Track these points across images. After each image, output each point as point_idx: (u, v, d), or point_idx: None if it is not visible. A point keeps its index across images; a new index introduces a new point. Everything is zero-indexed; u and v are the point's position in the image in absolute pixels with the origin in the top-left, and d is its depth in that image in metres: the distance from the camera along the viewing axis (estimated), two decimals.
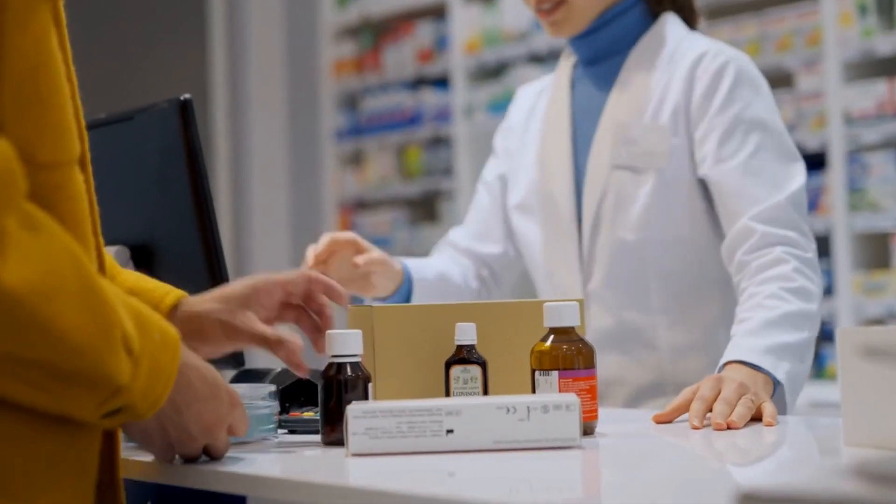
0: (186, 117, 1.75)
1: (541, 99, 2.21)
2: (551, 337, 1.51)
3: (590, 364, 1.50)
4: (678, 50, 2.05)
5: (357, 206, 5.45)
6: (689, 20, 2.13)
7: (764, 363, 1.71)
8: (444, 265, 2.20)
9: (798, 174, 1.95)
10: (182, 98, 1.74)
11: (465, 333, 1.55)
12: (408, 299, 2.08)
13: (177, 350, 1.25)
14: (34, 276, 1.10)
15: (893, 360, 1.24)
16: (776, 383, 1.71)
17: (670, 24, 2.09)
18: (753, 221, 1.89)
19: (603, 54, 2.10)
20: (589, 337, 1.87)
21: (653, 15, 2.10)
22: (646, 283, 2.01)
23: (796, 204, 1.92)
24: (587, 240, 2.04)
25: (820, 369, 3.81)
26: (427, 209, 5.23)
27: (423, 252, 5.08)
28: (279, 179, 5.70)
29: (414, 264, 2.13)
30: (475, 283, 2.21)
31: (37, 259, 1.11)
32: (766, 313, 1.79)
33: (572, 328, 1.51)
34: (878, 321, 3.66)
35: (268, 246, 5.62)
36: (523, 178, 2.15)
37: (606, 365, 2.00)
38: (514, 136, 2.21)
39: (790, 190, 1.92)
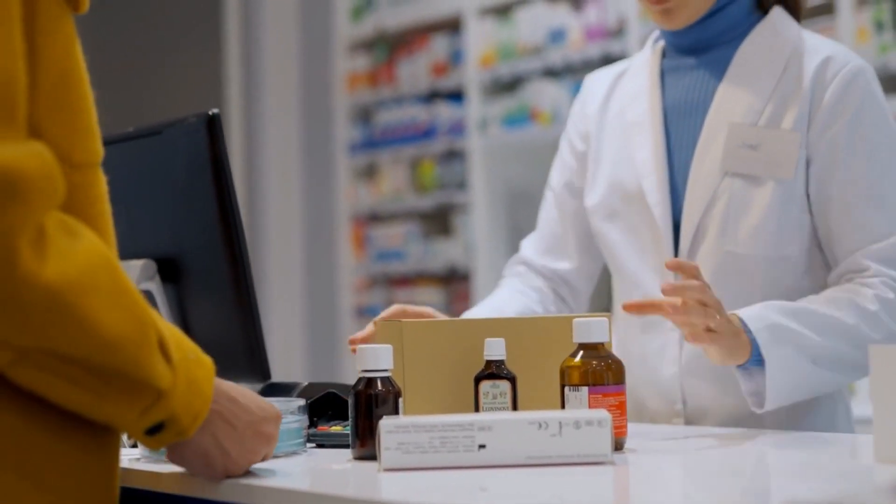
0: (214, 132, 1.75)
1: (616, 89, 2.03)
2: (581, 352, 1.51)
3: (619, 380, 1.51)
4: (797, 50, 1.88)
5: (370, 219, 5.47)
6: (795, 13, 1.96)
7: (752, 324, 1.67)
8: (513, 301, 2.02)
9: None
10: (210, 113, 1.75)
11: (495, 349, 1.56)
12: None
13: (211, 371, 1.28)
14: (71, 274, 1.14)
15: None
16: (757, 359, 1.67)
17: (783, 19, 1.92)
18: (869, 260, 1.79)
19: (706, 45, 1.93)
20: (681, 358, 1.86)
21: (760, 9, 1.94)
22: (750, 303, 1.76)
23: None
24: (685, 249, 1.87)
25: None
26: (440, 223, 5.24)
27: (436, 267, 5.13)
28: (293, 191, 5.71)
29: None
30: (554, 307, 2.03)
31: (74, 259, 1.15)
32: (807, 304, 1.74)
33: (601, 343, 1.52)
34: None
35: (281, 258, 5.64)
36: (602, 177, 1.98)
37: (696, 393, 1.87)
38: (591, 131, 2.03)
39: None
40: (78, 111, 1.23)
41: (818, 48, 1.88)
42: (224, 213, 1.76)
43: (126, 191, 1.91)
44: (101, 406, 1.19)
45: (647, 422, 1.89)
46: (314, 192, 5.70)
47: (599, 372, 1.50)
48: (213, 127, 1.75)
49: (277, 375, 1.87)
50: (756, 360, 1.69)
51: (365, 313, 5.43)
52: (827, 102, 1.83)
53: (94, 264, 1.17)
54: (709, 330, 1.61)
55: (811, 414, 1.84)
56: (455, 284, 5.07)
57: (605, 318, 1.53)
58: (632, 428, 1.58)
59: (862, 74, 1.84)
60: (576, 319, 1.53)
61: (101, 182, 1.27)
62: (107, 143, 1.90)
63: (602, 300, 2.27)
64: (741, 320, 1.67)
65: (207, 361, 1.28)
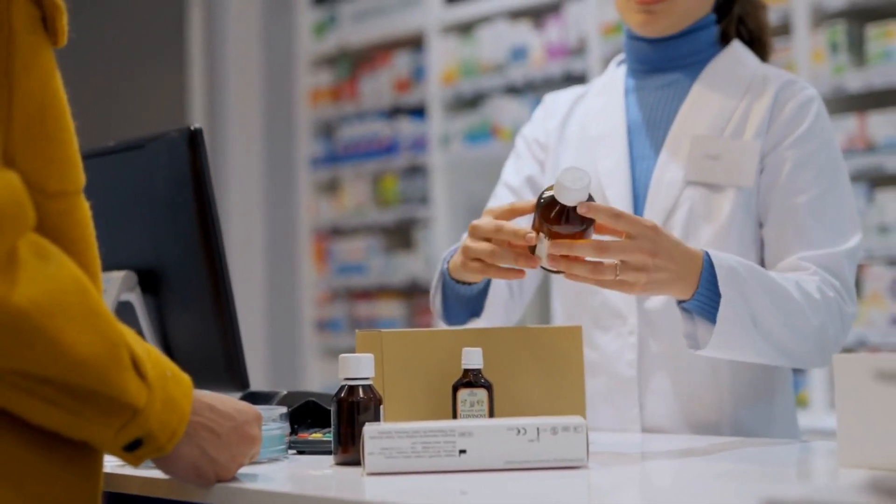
0: (196, 146, 1.80)
1: (576, 109, 2.09)
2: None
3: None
4: (760, 75, 1.97)
5: (332, 233, 5.50)
6: (762, 53, 2.06)
7: (717, 260, 1.66)
8: None
9: (858, 231, 1.88)
10: (192, 128, 1.79)
11: (472, 358, 1.61)
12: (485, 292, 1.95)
13: (188, 388, 1.32)
14: (40, 297, 1.18)
15: (877, 387, 1.31)
16: (702, 302, 1.67)
17: (744, 51, 2.02)
18: (808, 262, 1.83)
19: (671, 64, 2.00)
20: (640, 362, 1.89)
21: (722, 42, 2.03)
22: None
23: (850, 260, 1.86)
24: None
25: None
26: (402, 237, 5.29)
27: (398, 280, 5.17)
28: (255, 205, 5.74)
29: None
30: (506, 293, 2.03)
31: (44, 282, 1.19)
32: (760, 269, 1.74)
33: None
34: (848, 350, 3.74)
35: (243, 270, 5.65)
36: None
37: (656, 390, 1.91)
38: (550, 144, 2.08)
39: (849, 245, 1.86)
40: (55, 142, 1.26)
41: (780, 75, 1.98)
42: (204, 226, 1.80)
43: (108, 203, 1.94)
44: (77, 424, 1.23)
45: (605, 428, 1.93)
46: (276, 205, 5.72)
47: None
48: (195, 141, 1.80)
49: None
50: (701, 301, 1.68)
51: (326, 327, 5.46)
52: (783, 117, 1.91)
53: (65, 287, 1.21)
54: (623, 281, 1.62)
55: (765, 415, 1.90)
56: (417, 298, 5.12)
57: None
58: (595, 436, 1.63)
59: (818, 101, 1.94)
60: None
61: (80, 209, 1.30)
62: (89, 156, 1.95)
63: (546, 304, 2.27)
64: (706, 256, 1.67)
65: (185, 379, 1.32)
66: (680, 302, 1.70)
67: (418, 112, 5.11)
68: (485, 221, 1.71)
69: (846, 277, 1.84)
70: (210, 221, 1.80)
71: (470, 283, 1.90)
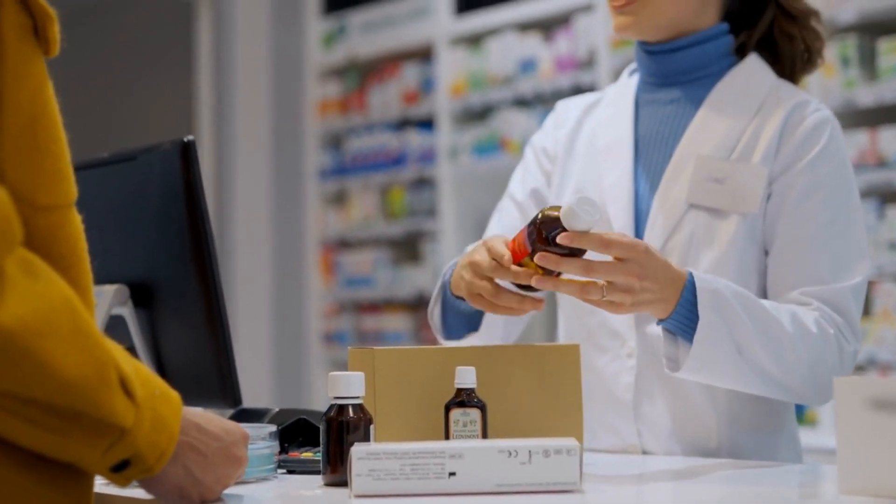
0: (188, 158, 1.76)
1: (588, 118, 2.04)
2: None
3: None
4: (773, 93, 1.89)
5: (340, 246, 5.48)
6: (783, 73, 1.95)
7: (700, 283, 1.64)
8: None
9: (865, 263, 1.81)
10: (185, 139, 1.76)
11: (465, 377, 1.57)
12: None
13: (178, 406, 1.28)
14: (27, 316, 1.15)
15: (878, 411, 1.27)
16: (682, 322, 1.65)
17: (760, 65, 1.93)
18: (811, 298, 1.77)
19: (680, 78, 1.94)
20: (637, 385, 1.86)
21: (739, 53, 1.95)
22: None
23: (856, 295, 1.79)
24: None
25: (799, 415, 3.84)
26: (410, 250, 5.26)
27: (405, 293, 5.14)
28: (263, 217, 5.72)
29: None
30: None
31: (32, 301, 1.16)
32: (752, 297, 1.70)
33: None
34: (860, 368, 3.69)
35: (250, 283, 5.63)
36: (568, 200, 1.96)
37: (653, 414, 1.86)
38: (559, 154, 2.03)
39: (855, 280, 1.79)
40: (46, 154, 1.23)
41: (794, 94, 1.90)
42: (197, 239, 1.77)
43: (100, 216, 1.92)
44: (63, 446, 1.20)
45: (602, 449, 1.89)
46: (284, 217, 5.71)
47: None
48: (188, 153, 1.76)
49: (245, 400, 1.88)
50: (681, 322, 1.66)
51: (333, 339, 5.44)
52: (794, 141, 1.84)
53: (53, 306, 1.17)
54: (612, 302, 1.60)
55: (764, 442, 1.86)
56: (423, 311, 5.08)
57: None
58: (590, 457, 1.59)
59: (831, 122, 1.87)
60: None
61: (72, 223, 1.27)
62: (81, 168, 1.92)
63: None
64: (689, 276, 1.65)
65: (174, 397, 1.29)
66: (661, 322, 1.67)
67: (427, 124, 5.08)
68: (486, 261, 1.68)
69: (851, 314, 1.78)
70: (203, 234, 1.77)
71: None
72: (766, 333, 1.69)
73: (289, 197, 5.69)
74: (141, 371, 1.26)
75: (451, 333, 1.95)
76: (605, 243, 1.57)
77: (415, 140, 5.12)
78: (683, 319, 1.65)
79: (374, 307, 5.33)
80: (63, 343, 1.17)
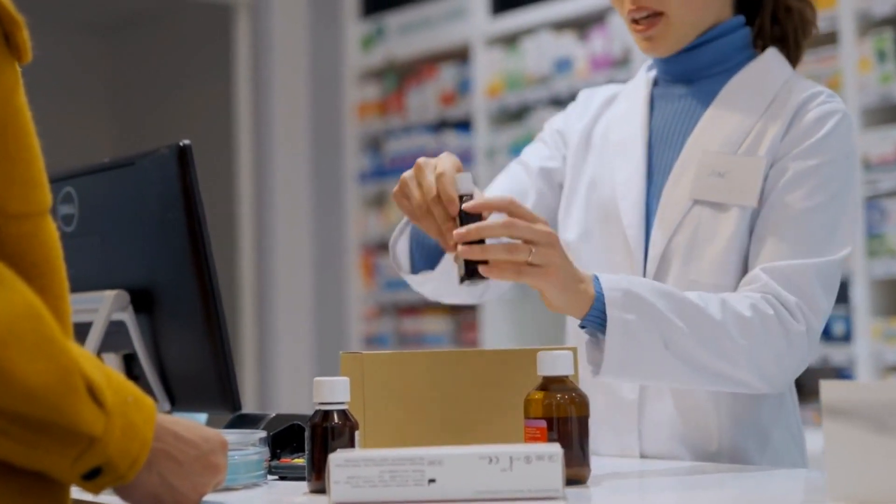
0: (185, 163, 1.76)
1: (606, 112, 2.02)
2: (544, 385, 1.50)
3: (583, 413, 1.49)
4: (786, 88, 1.87)
5: (379, 248, 5.47)
6: (791, 57, 1.95)
7: (606, 283, 1.62)
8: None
9: (840, 249, 1.76)
10: (181, 144, 1.76)
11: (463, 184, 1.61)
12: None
13: (151, 413, 1.27)
14: None
15: (867, 417, 1.23)
16: (599, 315, 1.62)
17: (777, 60, 1.91)
18: (765, 273, 1.74)
19: (696, 75, 1.93)
20: (642, 386, 1.83)
21: (755, 47, 1.94)
22: None
23: (820, 275, 1.74)
24: (652, 275, 1.83)
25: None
26: None
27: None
28: (302, 220, 5.73)
29: None
30: None
31: None
32: (672, 290, 1.68)
33: (566, 377, 1.50)
34: (891, 371, 3.62)
35: (291, 286, 5.64)
36: (579, 195, 1.97)
37: (656, 416, 1.84)
38: (577, 143, 2.00)
39: (823, 259, 1.75)
40: (17, 162, 1.22)
41: (807, 87, 1.87)
42: (195, 244, 1.76)
43: (100, 221, 1.92)
44: (32, 455, 1.19)
45: (601, 452, 1.86)
46: (324, 220, 5.71)
47: (563, 405, 1.48)
48: (185, 158, 1.76)
49: (286, 404, 1.87)
50: (597, 324, 1.63)
51: (373, 342, 5.43)
52: (796, 131, 1.81)
53: (17, 314, 1.16)
54: (532, 264, 1.57)
55: (767, 444, 1.82)
56: (463, 313, 5.06)
57: (569, 352, 1.51)
58: (596, 462, 1.56)
59: (840, 114, 1.82)
60: (540, 352, 1.51)
61: (45, 230, 1.25)
62: (80, 174, 1.93)
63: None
64: (595, 277, 1.63)
65: (148, 403, 1.27)
66: (582, 328, 1.65)
67: (464, 125, 5.06)
68: (432, 187, 1.64)
69: (809, 292, 1.73)
70: (200, 239, 1.76)
71: None
72: (693, 325, 1.65)
73: (328, 200, 5.69)
74: (113, 378, 1.25)
75: (410, 265, 1.96)
76: (509, 201, 1.58)
77: (453, 141, 5.10)
78: (598, 321, 1.63)
79: (415, 309, 5.31)
80: (26, 352, 1.16)
